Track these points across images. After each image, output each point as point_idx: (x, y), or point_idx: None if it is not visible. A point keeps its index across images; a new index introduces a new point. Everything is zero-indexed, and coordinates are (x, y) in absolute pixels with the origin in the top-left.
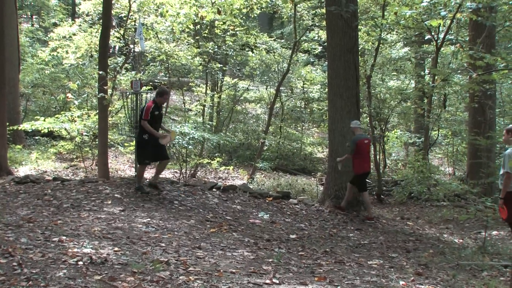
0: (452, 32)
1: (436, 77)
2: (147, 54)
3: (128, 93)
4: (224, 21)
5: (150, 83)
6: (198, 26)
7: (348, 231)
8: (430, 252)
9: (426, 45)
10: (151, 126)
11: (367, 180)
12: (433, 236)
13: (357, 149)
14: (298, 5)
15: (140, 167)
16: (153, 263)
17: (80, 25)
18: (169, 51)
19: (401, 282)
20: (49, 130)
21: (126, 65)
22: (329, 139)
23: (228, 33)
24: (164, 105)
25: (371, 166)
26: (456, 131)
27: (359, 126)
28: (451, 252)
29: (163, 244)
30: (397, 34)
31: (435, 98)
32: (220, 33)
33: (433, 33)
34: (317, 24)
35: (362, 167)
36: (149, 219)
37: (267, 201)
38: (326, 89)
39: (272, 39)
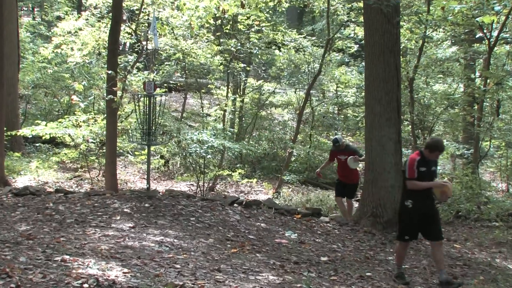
0: (507, 30)
1: (488, 81)
2: (161, 52)
3: (140, 96)
4: (248, 15)
5: (165, 85)
6: (219, 21)
7: (386, 253)
8: (481, 279)
9: (477, 44)
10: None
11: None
12: (483, 261)
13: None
14: None
15: (399, 245)
16: (166, 287)
17: (87, 19)
18: (186, 48)
19: None
20: (51, 136)
21: (138, 64)
22: (366, 149)
23: (253, 29)
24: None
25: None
26: (511, 142)
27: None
28: (504, 279)
29: (178, 266)
30: (444, 32)
31: (487, 104)
32: (243, 29)
33: (485, 31)
34: (353, 19)
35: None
36: (162, 237)
37: (295, 218)
38: (363, 93)
39: (302, 36)
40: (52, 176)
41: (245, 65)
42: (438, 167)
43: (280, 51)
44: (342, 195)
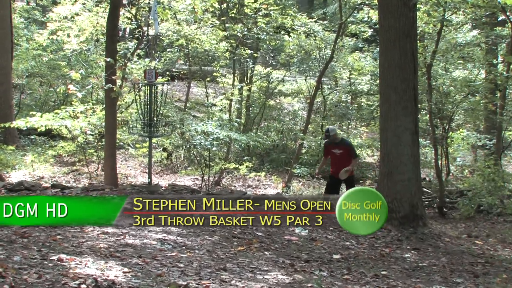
0: None
1: (511, 66)
2: (163, 38)
3: (140, 85)
4: None
5: (167, 73)
6: (225, 4)
7: (403, 250)
8: (504, 278)
9: (500, 28)
10: None
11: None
12: (507, 258)
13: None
14: None
15: None
16: (169, 287)
17: (84, 4)
18: (189, 34)
19: None
20: (47, 128)
21: (138, 51)
22: (381, 140)
23: (260, 13)
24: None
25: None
26: None
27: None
28: None
29: (181, 265)
30: (464, 15)
31: (510, 91)
32: (250, 13)
33: (508, 13)
34: (367, 2)
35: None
36: (165, 235)
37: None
38: (377, 81)
39: (313, 20)
40: (48, 171)
41: (252, 51)
42: (459, 159)
43: (289, 36)
44: (333, 193)
